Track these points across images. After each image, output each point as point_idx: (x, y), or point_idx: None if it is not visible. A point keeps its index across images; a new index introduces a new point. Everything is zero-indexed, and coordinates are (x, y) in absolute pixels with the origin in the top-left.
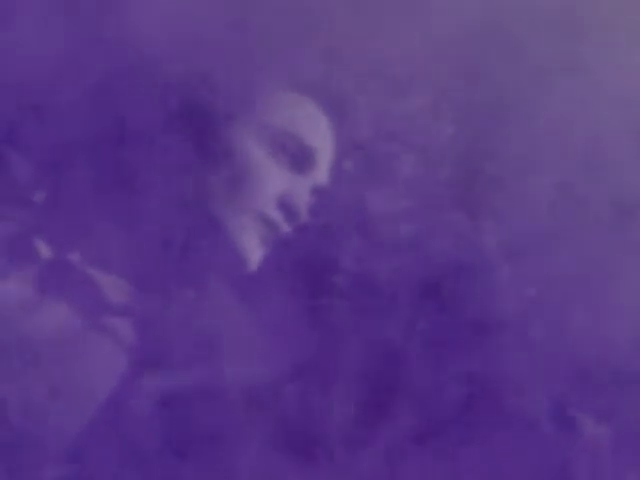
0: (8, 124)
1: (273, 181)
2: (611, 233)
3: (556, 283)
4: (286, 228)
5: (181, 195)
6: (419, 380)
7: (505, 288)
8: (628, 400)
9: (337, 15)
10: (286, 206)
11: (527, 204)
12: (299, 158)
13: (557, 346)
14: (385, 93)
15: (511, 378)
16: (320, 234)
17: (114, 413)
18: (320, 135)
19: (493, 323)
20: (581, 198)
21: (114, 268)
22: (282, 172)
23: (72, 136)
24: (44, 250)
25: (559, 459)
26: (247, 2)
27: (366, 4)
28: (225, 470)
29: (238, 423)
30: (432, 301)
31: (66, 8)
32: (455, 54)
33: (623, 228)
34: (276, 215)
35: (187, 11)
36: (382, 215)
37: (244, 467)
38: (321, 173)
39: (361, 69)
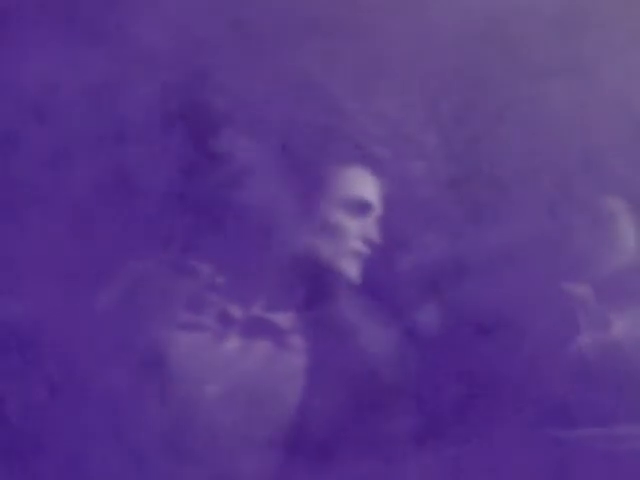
0: (8, 124)
1: (353, 228)
2: (611, 233)
3: (556, 283)
4: (366, 251)
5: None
6: (419, 380)
7: (505, 288)
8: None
9: (337, 15)
10: (364, 239)
11: (527, 204)
12: (363, 209)
13: (557, 346)
14: (385, 93)
15: (511, 378)
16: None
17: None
18: (371, 189)
19: (493, 323)
20: (581, 198)
21: (280, 307)
22: (356, 220)
23: (72, 136)
24: (236, 312)
25: (558, 459)
26: (247, 2)
27: (366, 4)
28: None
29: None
30: (432, 301)
31: (66, 8)
32: (455, 54)
33: (623, 227)
34: (360, 246)
35: (187, 11)
36: (382, 217)
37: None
38: (377, 210)
39: (361, 69)
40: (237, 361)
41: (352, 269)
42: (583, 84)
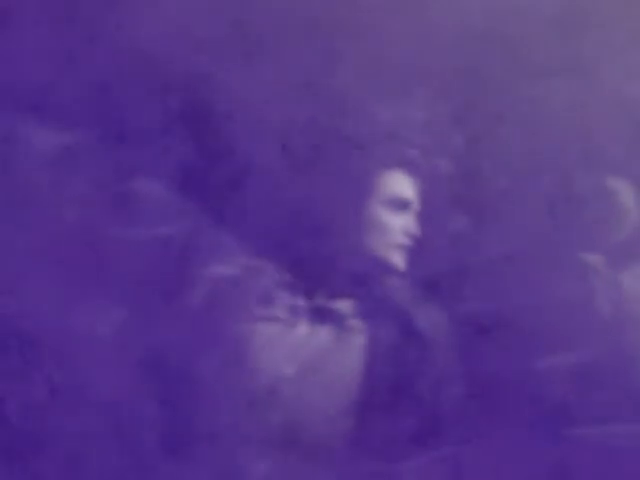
0: (8, 124)
1: (397, 222)
2: (610, 233)
3: (556, 283)
4: (408, 242)
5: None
6: (419, 380)
7: (505, 288)
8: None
9: (337, 15)
10: (407, 234)
11: (527, 204)
12: (405, 205)
13: (557, 346)
14: (385, 93)
15: (511, 378)
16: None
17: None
18: (410, 188)
19: (493, 323)
20: (581, 198)
21: (335, 293)
22: (399, 215)
23: (72, 136)
24: (300, 301)
25: (558, 458)
26: (247, 2)
27: (366, 4)
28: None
29: None
30: (432, 301)
31: (66, 8)
32: (455, 54)
33: (622, 227)
34: (405, 240)
35: (187, 11)
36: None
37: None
38: (416, 205)
39: (361, 69)
40: (307, 345)
41: (398, 260)
42: (583, 84)
